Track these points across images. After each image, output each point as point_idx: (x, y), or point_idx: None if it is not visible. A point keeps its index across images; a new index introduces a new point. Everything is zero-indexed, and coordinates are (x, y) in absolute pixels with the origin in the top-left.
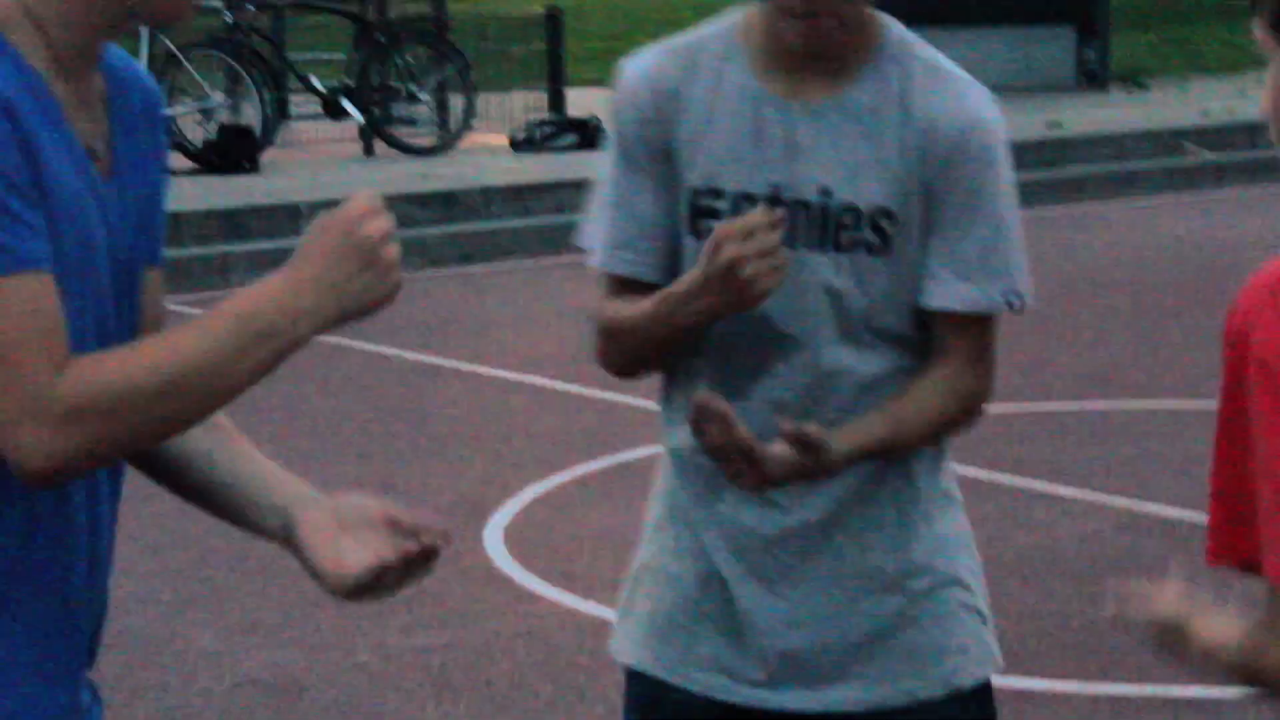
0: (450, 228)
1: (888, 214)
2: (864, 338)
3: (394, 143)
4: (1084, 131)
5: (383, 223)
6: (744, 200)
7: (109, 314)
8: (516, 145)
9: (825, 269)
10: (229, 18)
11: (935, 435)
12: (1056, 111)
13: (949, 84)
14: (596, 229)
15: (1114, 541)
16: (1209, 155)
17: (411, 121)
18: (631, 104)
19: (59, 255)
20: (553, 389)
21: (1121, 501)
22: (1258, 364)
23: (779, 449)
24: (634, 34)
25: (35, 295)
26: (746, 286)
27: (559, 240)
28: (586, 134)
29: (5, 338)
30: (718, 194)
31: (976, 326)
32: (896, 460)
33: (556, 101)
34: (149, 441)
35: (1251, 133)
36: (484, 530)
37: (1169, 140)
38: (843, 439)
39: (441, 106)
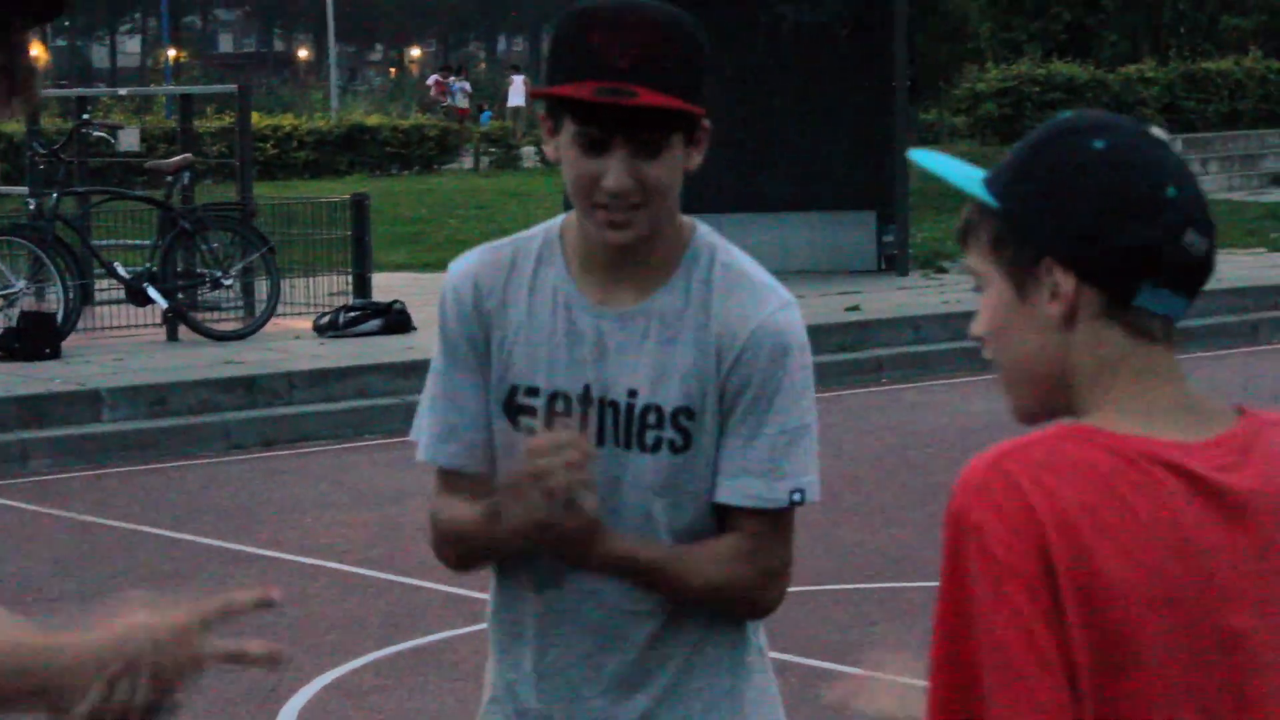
0: (253, 413)
1: (688, 413)
2: (671, 534)
3: (198, 328)
4: (882, 314)
5: (196, 656)
6: (557, 399)
7: None
8: (321, 330)
9: (633, 468)
10: (32, 204)
11: (717, 591)
12: (856, 295)
13: (747, 289)
14: (423, 422)
15: None
16: None
17: (216, 307)
18: (455, 301)
19: None
20: (351, 574)
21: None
22: (976, 542)
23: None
24: (441, 219)
25: None
26: (552, 496)
27: (361, 425)
28: (390, 318)
29: None
30: (533, 391)
31: (763, 521)
32: (702, 650)
33: (361, 286)
34: None
35: None
36: (278, 718)
37: (964, 323)
38: (615, 540)
39: (246, 292)
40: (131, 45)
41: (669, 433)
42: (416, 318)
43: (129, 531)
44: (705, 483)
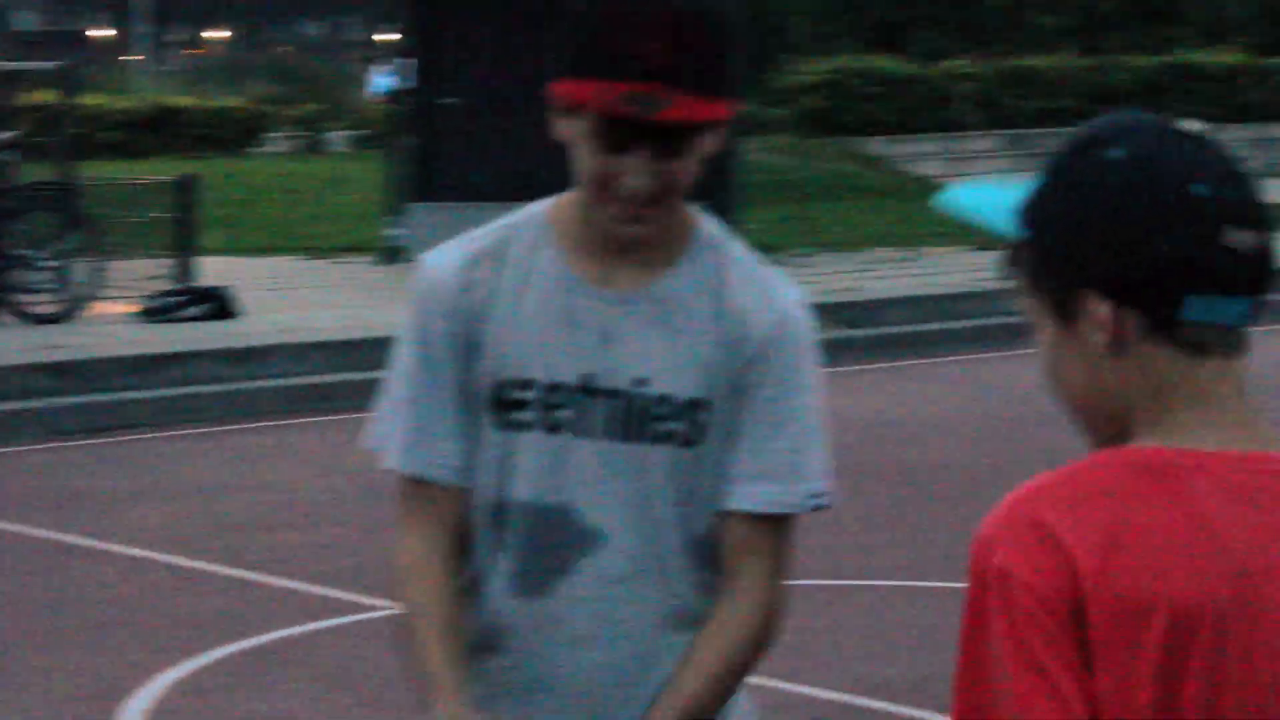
0: (75, 399)
1: (702, 405)
2: (670, 534)
3: (15, 310)
4: None
5: None
6: (553, 390)
7: None
8: (146, 314)
9: (634, 461)
10: None
11: (757, 655)
12: None
13: (761, 280)
14: (389, 428)
15: None
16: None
17: (30, 289)
18: (435, 299)
19: None
20: (186, 567)
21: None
22: (998, 580)
23: None
24: (258, 202)
25: None
26: None
27: (188, 412)
28: (216, 302)
29: None
30: (526, 385)
31: (777, 529)
32: None
33: (186, 270)
34: None
35: (873, 309)
36: (116, 717)
37: (830, 312)
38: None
39: (64, 273)
40: None
41: (680, 425)
42: (241, 303)
43: None
44: (714, 483)
